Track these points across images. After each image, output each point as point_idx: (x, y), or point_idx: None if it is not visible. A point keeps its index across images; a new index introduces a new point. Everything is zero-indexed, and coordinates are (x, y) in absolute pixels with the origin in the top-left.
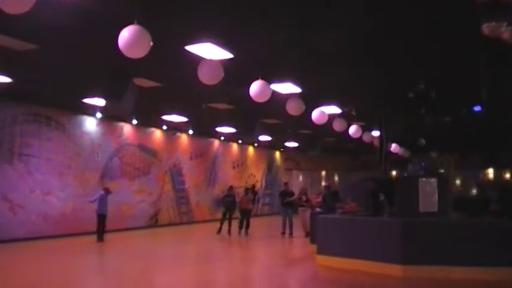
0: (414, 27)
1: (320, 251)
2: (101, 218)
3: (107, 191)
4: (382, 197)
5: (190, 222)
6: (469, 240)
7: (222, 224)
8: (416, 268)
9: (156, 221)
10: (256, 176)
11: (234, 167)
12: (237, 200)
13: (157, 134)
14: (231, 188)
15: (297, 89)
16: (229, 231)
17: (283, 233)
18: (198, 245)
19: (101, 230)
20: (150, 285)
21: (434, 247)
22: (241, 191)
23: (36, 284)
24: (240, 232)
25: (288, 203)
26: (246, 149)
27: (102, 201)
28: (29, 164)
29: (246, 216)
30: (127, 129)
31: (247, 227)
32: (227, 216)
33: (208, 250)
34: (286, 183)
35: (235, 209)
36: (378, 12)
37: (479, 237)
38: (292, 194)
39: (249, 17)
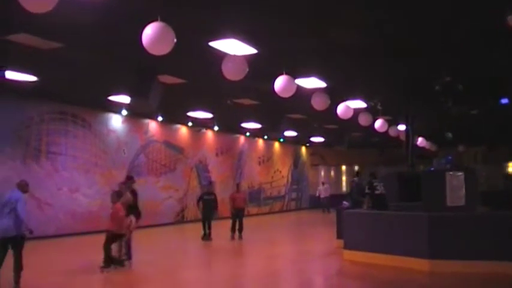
0: (440, 19)
1: (347, 246)
2: (13, 243)
3: (24, 187)
4: (381, 188)
5: (216, 218)
6: (496, 234)
7: (205, 228)
8: (443, 262)
9: (183, 217)
10: (283, 171)
11: (259, 163)
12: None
13: (182, 130)
14: (210, 184)
15: (322, 84)
16: (209, 235)
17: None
18: (223, 241)
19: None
20: (180, 280)
21: (461, 241)
22: (266, 187)
23: (65, 281)
24: (232, 237)
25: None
26: (272, 145)
27: (11, 213)
28: (56, 162)
29: (238, 217)
30: (153, 126)
31: (241, 229)
32: (208, 218)
33: (234, 246)
34: (211, 183)
35: (216, 210)
36: (403, 5)
37: (506, 230)
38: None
39: (273, 12)
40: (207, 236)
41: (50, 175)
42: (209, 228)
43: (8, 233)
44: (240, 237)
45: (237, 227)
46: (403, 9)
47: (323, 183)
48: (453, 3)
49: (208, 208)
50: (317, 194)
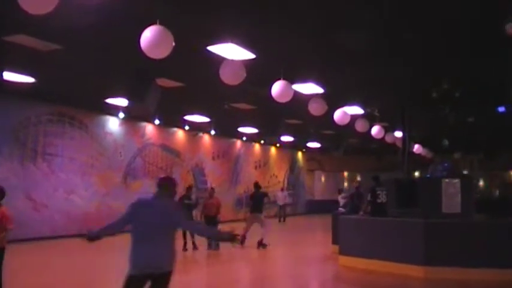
0: (438, 26)
1: (342, 252)
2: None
3: (172, 186)
4: (383, 197)
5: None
6: (492, 242)
7: (185, 237)
8: (438, 269)
9: None
10: (279, 176)
11: (256, 167)
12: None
13: (179, 134)
14: (189, 188)
15: (319, 89)
16: (193, 244)
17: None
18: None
19: None
20: (176, 285)
21: (456, 248)
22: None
23: (60, 282)
24: (210, 246)
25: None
26: (269, 150)
27: (165, 236)
28: (53, 163)
29: (212, 225)
30: (149, 129)
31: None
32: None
33: (230, 250)
34: (190, 187)
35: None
36: (401, 12)
37: (502, 238)
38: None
39: (271, 17)
40: (194, 246)
41: (46, 176)
42: (193, 236)
43: (151, 267)
44: (217, 246)
45: None
46: (403, 16)
47: (282, 190)
48: (453, 11)
49: (189, 214)
50: (275, 200)
